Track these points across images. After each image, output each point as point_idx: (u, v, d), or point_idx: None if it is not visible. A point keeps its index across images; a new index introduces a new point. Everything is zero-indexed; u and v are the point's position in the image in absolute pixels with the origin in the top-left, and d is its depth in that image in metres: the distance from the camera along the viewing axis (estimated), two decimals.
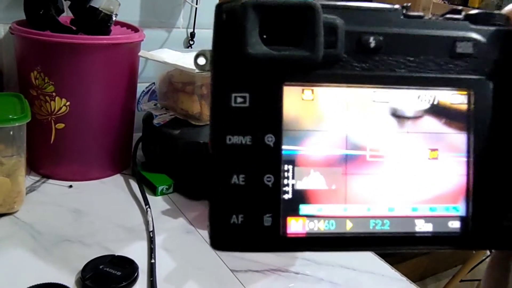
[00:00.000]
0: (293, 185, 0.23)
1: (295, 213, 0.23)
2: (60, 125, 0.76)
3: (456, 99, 0.24)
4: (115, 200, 0.76)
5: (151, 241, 0.65)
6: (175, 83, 0.83)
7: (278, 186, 0.23)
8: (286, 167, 0.23)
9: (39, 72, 0.73)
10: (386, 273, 0.65)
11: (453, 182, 0.24)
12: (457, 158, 0.24)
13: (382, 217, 0.24)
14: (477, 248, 0.25)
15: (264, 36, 0.22)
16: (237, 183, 0.23)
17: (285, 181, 0.23)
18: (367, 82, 0.24)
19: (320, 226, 0.24)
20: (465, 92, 0.24)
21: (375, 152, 0.24)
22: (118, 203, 0.76)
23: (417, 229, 0.24)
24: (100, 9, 0.76)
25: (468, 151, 0.24)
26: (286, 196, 0.23)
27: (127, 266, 0.58)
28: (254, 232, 0.23)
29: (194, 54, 0.25)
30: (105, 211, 0.72)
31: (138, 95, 0.90)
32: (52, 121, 0.76)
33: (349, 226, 0.24)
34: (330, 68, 0.23)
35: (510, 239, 0.24)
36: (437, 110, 0.24)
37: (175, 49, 0.87)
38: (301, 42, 0.22)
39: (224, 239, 0.23)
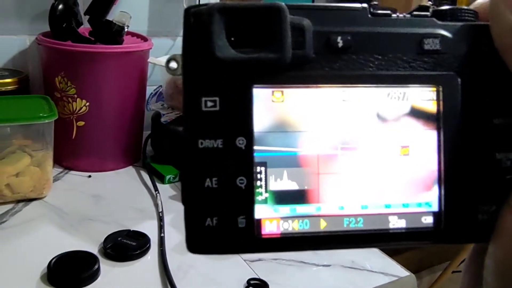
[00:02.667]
0: (266, 186, 0.23)
1: (269, 214, 0.23)
2: (81, 123, 0.88)
3: (426, 95, 0.24)
4: (128, 187, 0.88)
5: (160, 219, 0.76)
6: (180, 85, 0.95)
7: (251, 188, 0.23)
8: (258, 169, 0.23)
9: (63, 77, 0.85)
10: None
11: (425, 178, 0.24)
12: (428, 154, 0.24)
13: (355, 215, 0.24)
14: (451, 242, 0.25)
15: (232, 39, 0.22)
16: (210, 186, 0.22)
17: (258, 183, 0.23)
18: (336, 81, 0.23)
19: (294, 226, 0.23)
20: (434, 89, 0.24)
21: (346, 151, 0.24)
22: (131, 190, 0.87)
23: (391, 225, 0.24)
24: (114, 21, 0.87)
25: (439, 147, 0.24)
26: (259, 198, 0.23)
27: (141, 239, 0.70)
28: (229, 234, 0.23)
29: None
30: (120, 196, 0.84)
31: (147, 96, 1.01)
32: (74, 119, 0.87)
33: (323, 225, 0.24)
34: (299, 69, 0.23)
35: (484, 233, 0.23)
36: (407, 107, 0.24)
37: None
38: (269, 44, 0.22)
39: (199, 242, 0.23)
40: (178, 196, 0.86)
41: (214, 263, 0.69)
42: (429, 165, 0.24)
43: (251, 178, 0.23)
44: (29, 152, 0.79)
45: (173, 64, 0.25)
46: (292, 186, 0.23)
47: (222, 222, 0.23)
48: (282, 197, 0.23)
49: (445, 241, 0.25)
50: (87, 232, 0.72)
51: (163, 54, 1.02)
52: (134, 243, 0.69)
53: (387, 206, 0.24)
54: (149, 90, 1.03)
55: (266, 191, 0.23)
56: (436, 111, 0.24)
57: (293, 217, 0.23)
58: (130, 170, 0.94)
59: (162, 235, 0.72)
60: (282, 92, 0.23)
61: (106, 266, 0.64)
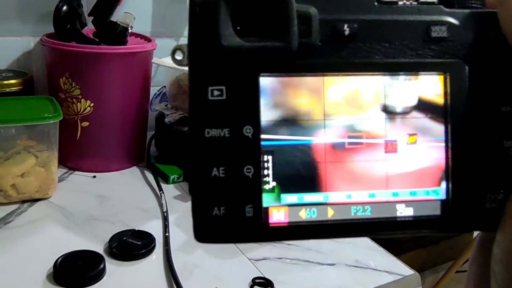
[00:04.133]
0: (273, 175, 0.23)
1: (276, 202, 0.23)
2: (85, 123, 0.88)
3: (433, 83, 0.24)
4: (133, 188, 0.88)
5: (165, 219, 0.77)
6: (184, 85, 0.95)
7: (258, 176, 0.23)
8: (265, 157, 0.23)
9: (67, 77, 0.86)
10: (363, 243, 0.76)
11: (433, 166, 0.24)
12: (436, 142, 0.24)
13: (363, 203, 0.24)
14: (459, 231, 0.25)
15: (238, 28, 0.22)
16: (217, 175, 0.22)
17: (265, 172, 0.23)
18: (343, 69, 0.23)
19: (301, 215, 0.23)
20: (441, 76, 0.24)
21: (353, 139, 0.24)
22: (136, 190, 0.87)
23: (398, 213, 0.24)
24: (118, 22, 0.88)
25: (446, 135, 0.24)
26: (267, 187, 0.23)
27: (146, 238, 0.70)
28: (236, 223, 0.23)
29: None
30: (125, 196, 0.84)
31: (151, 97, 1.02)
32: (78, 120, 0.88)
33: (330, 214, 0.24)
34: (305, 58, 0.23)
35: (492, 221, 0.23)
36: (414, 96, 0.24)
37: None
38: (275, 32, 0.22)
39: (207, 231, 0.23)
40: (182, 196, 0.86)
41: (219, 262, 0.69)
42: (436, 153, 0.24)
43: (259, 167, 0.23)
44: (34, 152, 0.79)
45: (179, 55, 0.25)
46: (300, 174, 0.23)
47: (229, 211, 0.23)
48: (290, 186, 0.23)
49: (453, 230, 0.25)
50: (93, 232, 0.72)
51: (167, 54, 1.02)
52: (139, 243, 0.69)
53: (395, 195, 0.24)
54: (153, 90, 1.03)
55: (273, 180, 0.23)
56: (444, 99, 0.24)
57: (300, 206, 0.23)
58: (134, 171, 0.94)
59: (167, 234, 0.72)
60: (288, 80, 0.23)
61: (111, 266, 0.65)
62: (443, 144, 0.24)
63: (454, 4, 0.24)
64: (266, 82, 0.23)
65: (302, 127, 0.23)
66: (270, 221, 0.23)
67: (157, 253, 0.69)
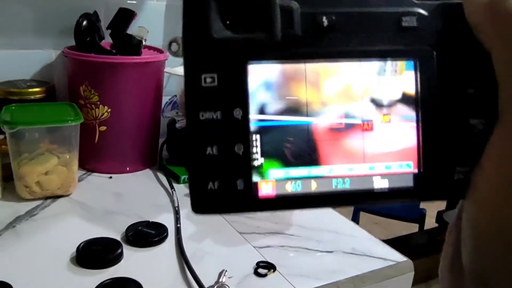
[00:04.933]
0: (261, 152, 0.25)
1: (264, 177, 0.25)
2: (103, 128, 0.95)
3: (404, 68, 0.27)
4: (147, 187, 0.95)
5: (176, 212, 0.83)
6: None
7: (248, 154, 0.25)
8: (254, 136, 0.25)
9: (87, 86, 0.93)
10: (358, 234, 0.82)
11: (405, 141, 0.27)
12: (408, 121, 0.26)
13: (343, 177, 0.26)
14: (430, 199, 0.27)
15: (227, 22, 0.24)
16: (211, 153, 0.24)
17: (254, 149, 0.25)
18: (322, 57, 0.26)
19: (287, 188, 0.26)
20: (412, 62, 0.26)
21: (334, 119, 0.26)
22: (149, 189, 0.94)
23: (375, 186, 0.26)
24: (133, 35, 0.96)
25: (417, 114, 0.26)
26: (255, 163, 0.25)
27: (159, 228, 0.76)
28: (229, 196, 0.25)
29: None
30: (139, 194, 0.91)
31: (162, 105, 1.09)
32: (96, 124, 0.95)
33: (313, 187, 0.26)
34: (289, 47, 0.25)
35: (460, 191, 0.25)
36: (387, 79, 0.26)
37: None
38: (261, 25, 0.24)
39: (203, 203, 0.25)
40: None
41: (226, 249, 0.75)
42: (409, 130, 0.26)
43: (248, 145, 0.25)
44: (56, 153, 0.87)
45: (174, 47, 0.31)
46: (286, 152, 0.26)
47: (223, 185, 0.25)
48: (277, 162, 0.26)
49: (425, 199, 0.27)
50: (110, 223, 0.79)
51: (178, 65, 1.10)
52: (153, 232, 0.75)
53: (371, 168, 0.27)
54: (165, 99, 1.10)
55: (261, 156, 0.25)
56: (414, 82, 0.26)
57: (286, 180, 0.26)
58: (147, 172, 1.01)
59: (179, 225, 0.79)
60: (274, 67, 0.25)
61: (128, 251, 0.71)
62: (415, 123, 0.26)
63: None
64: (253, 69, 0.25)
65: (286, 109, 0.26)
66: (259, 194, 0.25)
67: (170, 241, 0.75)
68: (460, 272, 0.26)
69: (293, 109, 0.26)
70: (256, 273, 0.69)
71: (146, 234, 0.75)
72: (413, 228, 2.39)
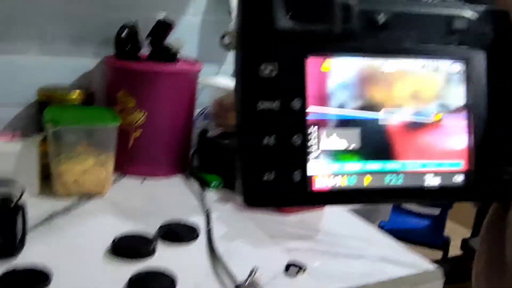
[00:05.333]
0: (318, 144, 0.25)
1: (320, 170, 0.25)
2: (138, 133, 0.98)
3: (455, 67, 0.27)
4: (178, 191, 0.97)
5: (207, 215, 0.85)
6: (226, 104, 1.05)
7: (304, 146, 0.25)
8: (311, 128, 0.25)
9: (124, 92, 0.97)
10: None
11: (457, 141, 0.27)
12: (459, 120, 0.27)
13: (396, 173, 0.26)
14: (479, 199, 0.28)
15: (290, 13, 0.25)
16: (268, 144, 0.24)
17: (311, 142, 0.25)
18: (377, 53, 0.26)
19: (342, 182, 0.26)
20: (462, 61, 0.27)
21: (387, 115, 0.26)
22: (181, 193, 0.96)
23: (426, 183, 0.27)
24: (170, 45, 1.00)
25: (468, 114, 0.27)
26: (312, 155, 0.25)
27: (191, 228, 0.78)
28: (284, 188, 0.25)
29: None
30: (171, 197, 0.94)
31: (194, 115, 1.12)
32: (132, 130, 0.98)
33: (367, 182, 0.26)
34: (346, 42, 0.26)
35: (509, 192, 0.26)
36: (438, 78, 0.27)
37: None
38: (322, 18, 0.25)
39: (258, 195, 0.25)
40: (221, 199, 0.94)
41: (257, 250, 0.76)
42: (460, 129, 0.27)
43: (305, 137, 0.25)
44: (93, 153, 0.90)
45: (227, 39, 0.32)
46: (341, 145, 0.26)
47: (279, 176, 0.24)
48: (333, 155, 0.26)
49: (473, 198, 0.28)
50: (143, 222, 0.81)
51: (210, 76, 1.14)
52: (185, 230, 0.77)
53: (424, 166, 0.27)
54: (196, 111, 1.13)
55: (318, 149, 0.25)
56: (465, 82, 0.27)
57: (341, 174, 0.26)
58: (178, 178, 1.04)
59: (209, 227, 0.81)
60: (330, 61, 0.26)
61: (161, 247, 0.73)
62: (466, 122, 0.27)
63: (471, 0, 0.27)
64: (312, 61, 0.25)
65: (343, 103, 0.26)
66: (314, 187, 0.25)
67: (201, 240, 0.77)
68: (500, 272, 0.26)
69: (348, 103, 0.26)
70: (286, 272, 0.70)
71: (178, 232, 0.77)
72: (437, 255, 2.36)
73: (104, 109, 0.96)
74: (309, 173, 0.25)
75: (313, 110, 0.25)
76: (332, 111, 0.26)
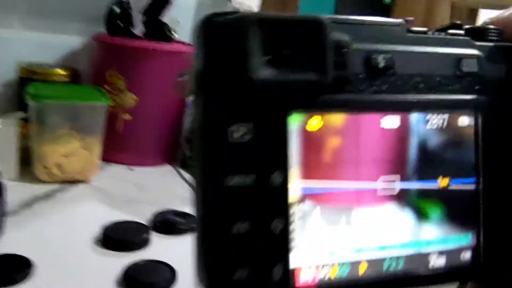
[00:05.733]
0: (303, 229, 0.20)
1: (305, 260, 0.20)
2: (128, 116, 0.91)
3: (465, 121, 0.23)
4: (169, 180, 0.90)
5: None
6: None
7: (286, 233, 0.20)
8: (296, 209, 0.20)
9: (114, 71, 0.89)
10: None
11: (464, 210, 0.23)
12: (467, 185, 0.23)
13: (396, 256, 0.22)
14: (489, 278, 0.23)
15: (269, 57, 0.19)
16: (240, 232, 0.19)
17: (295, 226, 0.20)
18: (376, 107, 0.21)
19: (332, 273, 0.21)
20: (472, 114, 0.22)
21: (386, 183, 0.22)
22: (172, 182, 0.90)
23: (431, 265, 0.22)
24: (166, 23, 0.93)
25: (478, 177, 0.23)
26: (295, 243, 0.20)
27: (188, 217, 0.71)
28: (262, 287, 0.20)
29: None
30: (162, 186, 0.87)
31: (188, 103, 1.05)
32: (121, 112, 0.91)
33: (362, 270, 0.21)
34: (338, 93, 0.20)
35: None
36: (445, 134, 0.22)
37: None
38: (309, 63, 0.19)
39: None
40: None
41: None
42: (468, 197, 0.23)
43: (287, 220, 0.20)
44: (79, 135, 0.82)
45: (184, 82, 0.23)
46: (331, 227, 0.21)
47: (254, 273, 0.19)
48: (320, 241, 0.21)
49: (483, 279, 0.23)
50: (134, 210, 0.74)
51: None
52: (182, 220, 0.70)
53: (427, 244, 0.22)
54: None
55: (302, 235, 0.20)
56: (475, 139, 0.22)
57: (331, 263, 0.21)
58: (168, 167, 0.97)
59: None
60: (320, 118, 0.20)
61: (155, 238, 0.66)
62: (475, 187, 0.23)
63: (479, 36, 0.23)
64: (296, 120, 0.20)
65: (333, 172, 0.21)
66: (298, 283, 0.20)
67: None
68: None
69: (340, 172, 0.21)
70: None
71: (174, 222, 0.70)
72: None
73: (92, 87, 0.88)
74: (291, 266, 0.20)
75: (298, 185, 0.20)
76: (321, 184, 0.21)
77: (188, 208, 0.77)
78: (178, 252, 0.63)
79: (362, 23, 0.21)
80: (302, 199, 0.20)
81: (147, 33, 0.93)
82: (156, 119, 0.94)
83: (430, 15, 1.68)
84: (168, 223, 0.69)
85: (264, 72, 0.19)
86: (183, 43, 1.02)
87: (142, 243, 0.63)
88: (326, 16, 0.19)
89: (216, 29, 0.19)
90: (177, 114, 0.97)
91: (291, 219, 0.20)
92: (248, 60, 0.18)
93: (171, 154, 0.99)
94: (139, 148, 0.94)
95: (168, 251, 0.63)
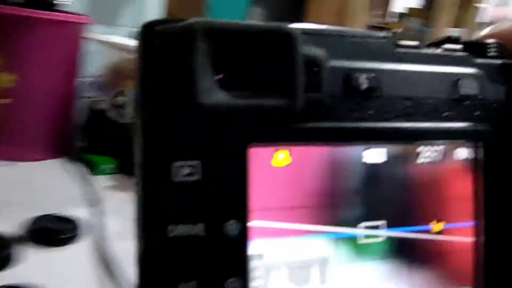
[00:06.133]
0: None
1: None
2: (5, 100, 0.75)
3: (462, 153, 0.20)
4: (57, 177, 0.76)
5: (95, 206, 0.65)
6: (121, 70, 0.85)
7: None
8: (254, 265, 0.17)
9: None
10: None
11: (461, 257, 0.20)
12: (464, 228, 0.20)
13: None
14: None
15: (222, 77, 0.16)
16: None
17: (254, 286, 0.17)
18: (357, 137, 0.18)
19: None
20: (472, 145, 0.20)
21: (368, 230, 0.19)
22: (61, 179, 0.76)
23: None
24: None
25: (477, 219, 0.20)
26: None
27: (70, 223, 0.58)
28: None
29: None
30: (47, 185, 0.73)
31: (82, 86, 0.91)
32: None
33: None
34: (311, 120, 0.17)
35: None
36: (440, 170, 0.20)
37: None
38: (274, 85, 0.16)
39: None
40: (116, 186, 0.75)
41: None
42: (465, 242, 0.20)
43: (246, 280, 0.17)
44: None
45: (123, 105, 0.18)
46: (300, 287, 0.18)
47: None
48: None
49: None
50: (3, 216, 0.59)
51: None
52: (62, 227, 0.57)
53: None
54: (84, 80, 0.92)
55: None
56: (473, 175, 0.20)
57: None
58: (59, 162, 0.82)
59: (97, 222, 0.61)
60: (288, 152, 0.17)
61: (29, 251, 0.52)
62: (473, 230, 0.20)
63: (479, 51, 0.20)
64: (257, 155, 0.17)
65: (305, 219, 0.17)
66: None
67: (85, 239, 0.57)
68: None
69: (312, 218, 0.18)
70: None
71: (51, 230, 0.56)
72: None
73: None
74: None
75: (259, 235, 0.17)
76: (289, 233, 0.17)
77: (78, 210, 0.64)
78: (54, 270, 0.51)
79: (341, 35, 0.18)
80: (265, 253, 0.17)
81: (26, 2, 0.78)
82: (41, 103, 0.79)
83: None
84: (43, 232, 0.55)
85: (216, 95, 0.16)
86: (74, 13, 0.87)
87: (3, 262, 0.49)
88: (296, 26, 0.16)
89: (157, 41, 0.15)
90: (68, 97, 0.83)
91: (251, 277, 0.17)
92: (196, 80, 0.15)
93: (62, 145, 0.85)
94: (21, 138, 0.79)
95: (40, 269, 0.50)
